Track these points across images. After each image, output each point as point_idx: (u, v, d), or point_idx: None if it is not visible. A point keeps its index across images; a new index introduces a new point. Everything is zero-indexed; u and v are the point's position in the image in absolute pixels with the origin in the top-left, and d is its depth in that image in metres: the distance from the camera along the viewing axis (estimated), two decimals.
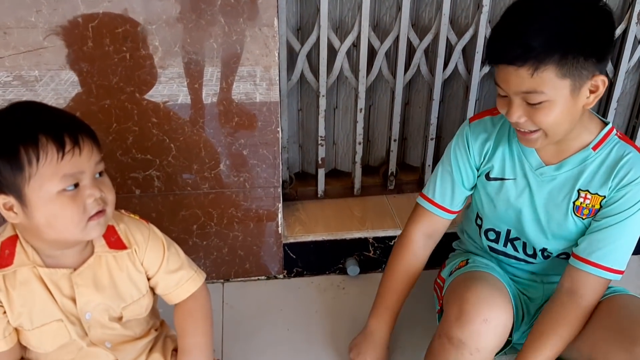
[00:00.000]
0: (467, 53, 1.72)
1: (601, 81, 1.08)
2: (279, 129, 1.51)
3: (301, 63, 1.63)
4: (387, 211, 1.80)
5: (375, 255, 1.73)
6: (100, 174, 1.01)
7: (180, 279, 1.16)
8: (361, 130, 1.74)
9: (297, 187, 1.83)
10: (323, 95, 1.66)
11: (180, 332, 1.17)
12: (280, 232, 1.65)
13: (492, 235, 1.36)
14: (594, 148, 1.19)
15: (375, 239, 1.71)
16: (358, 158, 1.78)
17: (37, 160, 0.91)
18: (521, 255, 1.34)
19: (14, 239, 1.03)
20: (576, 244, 1.24)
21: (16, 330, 1.06)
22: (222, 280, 1.69)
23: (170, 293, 1.17)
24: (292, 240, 1.68)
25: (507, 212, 1.29)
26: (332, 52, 1.63)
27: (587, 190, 1.20)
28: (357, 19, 1.59)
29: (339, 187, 1.86)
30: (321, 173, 1.79)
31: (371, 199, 1.85)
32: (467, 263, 1.37)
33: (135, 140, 1.46)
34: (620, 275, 1.19)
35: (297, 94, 1.74)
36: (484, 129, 1.30)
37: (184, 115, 1.45)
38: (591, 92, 1.10)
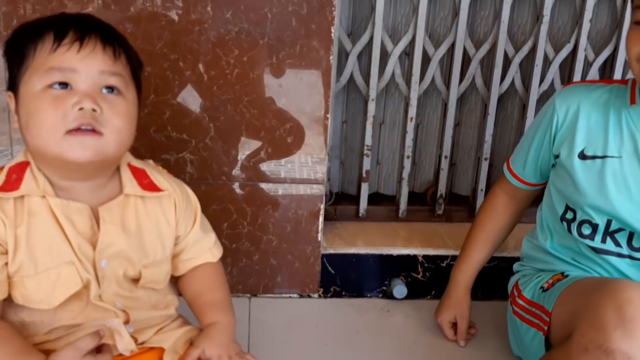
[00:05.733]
0: (524, 68, 1.63)
1: None
2: (328, 116, 1.38)
3: (351, 64, 1.54)
4: (436, 234, 1.61)
5: (424, 278, 1.52)
6: (113, 90, 0.87)
7: (212, 240, 1.09)
8: (410, 142, 1.61)
9: (336, 207, 1.66)
10: (372, 99, 1.56)
11: (203, 289, 1.06)
12: (319, 239, 1.46)
13: (587, 230, 1.15)
14: None
15: (426, 257, 1.51)
16: (405, 174, 1.63)
17: (35, 51, 0.85)
18: (625, 250, 1.12)
19: (23, 165, 0.91)
20: None
21: (13, 292, 0.88)
22: (248, 295, 1.48)
23: (199, 256, 1.06)
24: (331, 252, 1.49)
25: (608, 197, 1.10)
26: (384, 57, 1.55)
27: None
28: (412, 23, 1.53)
29: (382, 210, 1.69)
30: (364, 188, 1.63)
31: (418, 225, 1.67)
32: (564, 276, 1.17)
33: (172, 116, 1.34)
34: None
35: (342, 104, 1.64)
36: (582, 92, 1.15)
37: (227, 91, 1.34)
38: None
